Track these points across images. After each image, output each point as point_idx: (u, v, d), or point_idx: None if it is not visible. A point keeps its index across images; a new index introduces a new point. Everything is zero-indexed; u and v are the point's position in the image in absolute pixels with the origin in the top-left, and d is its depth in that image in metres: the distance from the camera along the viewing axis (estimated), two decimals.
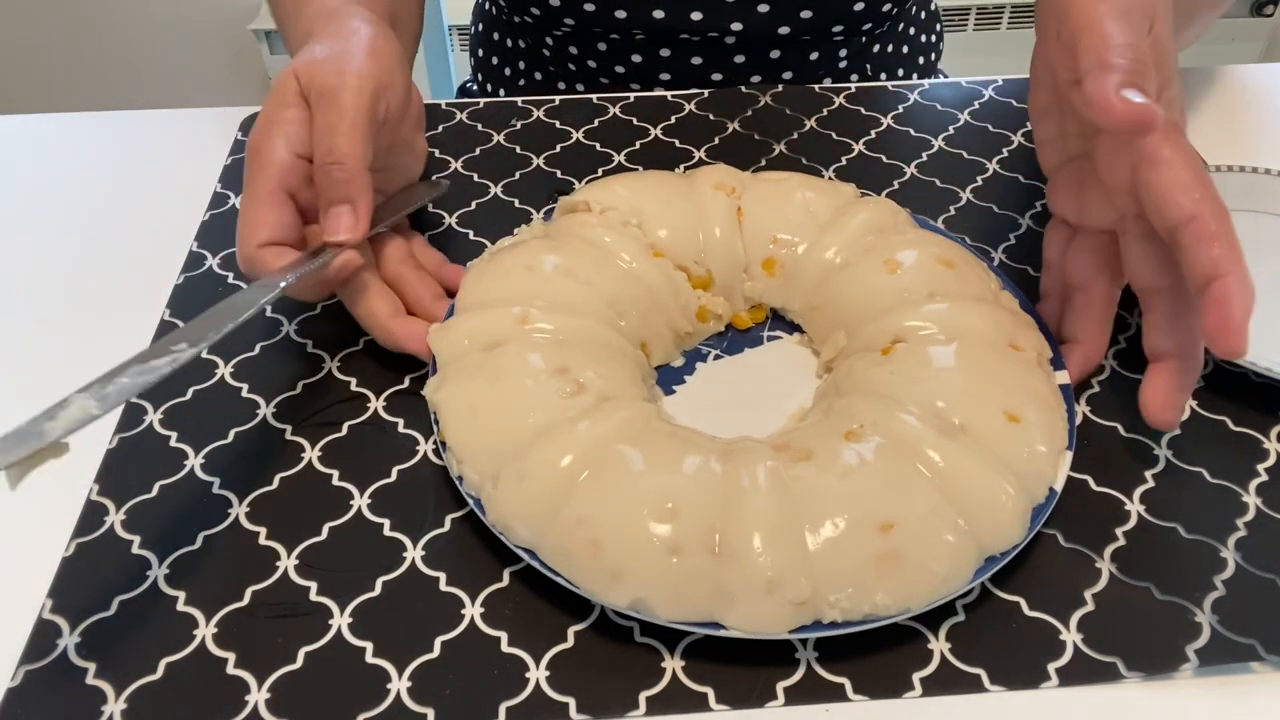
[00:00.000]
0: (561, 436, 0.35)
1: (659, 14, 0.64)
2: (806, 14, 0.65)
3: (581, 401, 0.36)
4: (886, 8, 0.67)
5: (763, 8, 0.64)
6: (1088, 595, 0.35)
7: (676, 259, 0.44)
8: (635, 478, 0.34)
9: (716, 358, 0.45)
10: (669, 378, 0.44)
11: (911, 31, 0.75)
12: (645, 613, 0.33)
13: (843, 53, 0.69)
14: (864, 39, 0.70)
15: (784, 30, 0.65)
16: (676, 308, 0.44)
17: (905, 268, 0.42)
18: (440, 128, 0.59)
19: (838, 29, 0.67)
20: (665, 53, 0.67)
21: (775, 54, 0.67)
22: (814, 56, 0.68)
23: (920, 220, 0.47)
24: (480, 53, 0.79)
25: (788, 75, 0.69)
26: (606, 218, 0.45)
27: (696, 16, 0.64)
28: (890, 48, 0.73)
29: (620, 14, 0.64)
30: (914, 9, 0.74)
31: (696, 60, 0.67)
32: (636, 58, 0.67)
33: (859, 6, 0.66)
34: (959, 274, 0.42)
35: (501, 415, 0.37)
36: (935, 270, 0.42)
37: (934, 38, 0.78)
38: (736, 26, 0.65)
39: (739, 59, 0.67)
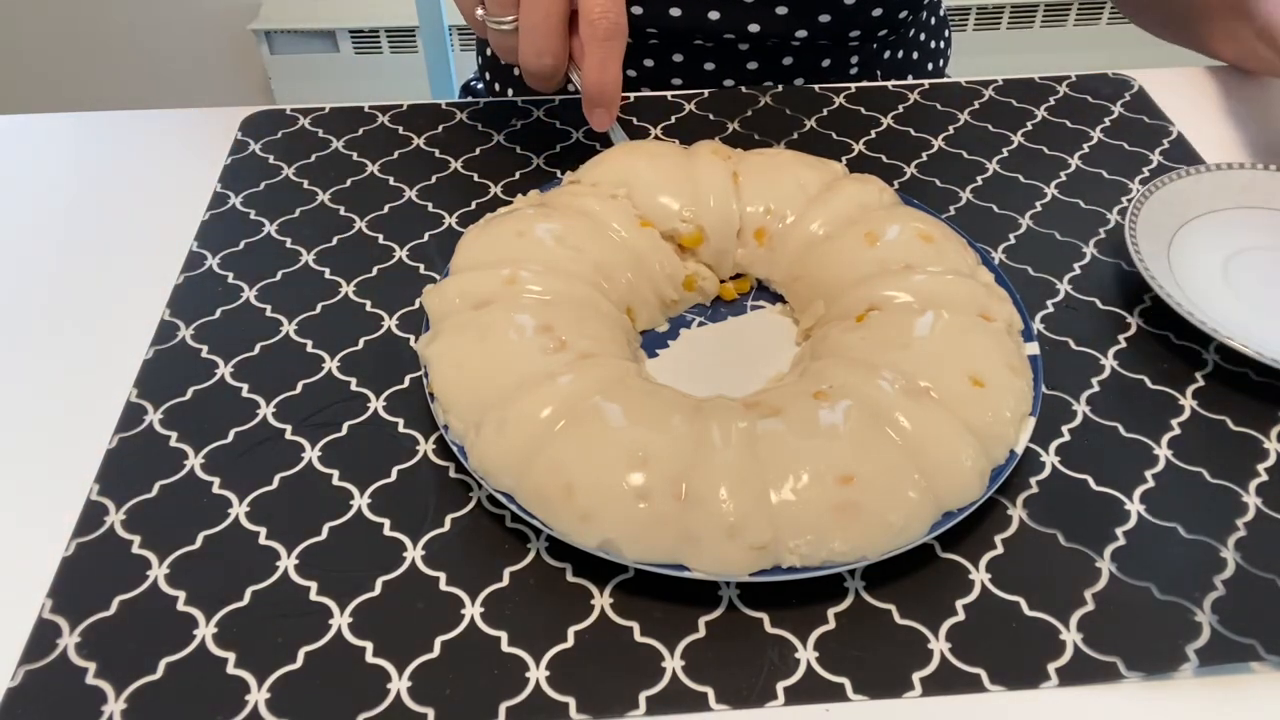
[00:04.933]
0: (542, 389, 0.37)
1: (676, 12, 0.64)
2: (825, 18, 0.64)
3: (563, 358, 0.38)
4: (903, 14, 0.67)
5: (781, 10, 0.64)
6: (1088, 595, 0.35)
7: (667, 221, 0.45)
8: (609, 429, 0.36)
9: (700, 324, 0.47)
10: (653, 342, 0.46)
11: (922, 38, 0.74)
12: (613, 553, 0.34)
13: (854, 59, 0.69)
14: (875, 45, 0.70)
15: (801, 34, 0.65)
16: (663, 276, 0.45)
17: (885, 240, 0.43)
18: (440, 128, 0.59)
19: (854, 34, 0.66)
20: (678, 57, 0.66)
21: (788, 60, 0.67)
22: (826, 63, 0.68)
23: (906, 199, 0.48)
24: (489, 51, 0.78)
25: (799, 81, 0.68)
26: (598, 189, 0.46)
27: (714, 16, 0.64)
28: (900, 54, 0.72)
29: (636, 10, 0.64)
30: (925, 15, 0.74)
31: (709, 65, 0.67)
32: (649, 61, 0.67)
33: (876, 12, 0.65)
34: (937, 247, 0.43)
35: (486, 368, 0.38)
36: (914, 244, 0.43)
37: (942, 44, 0.78)
38: (754, 28, 0.64)
39: (752, 65, 0.67)
